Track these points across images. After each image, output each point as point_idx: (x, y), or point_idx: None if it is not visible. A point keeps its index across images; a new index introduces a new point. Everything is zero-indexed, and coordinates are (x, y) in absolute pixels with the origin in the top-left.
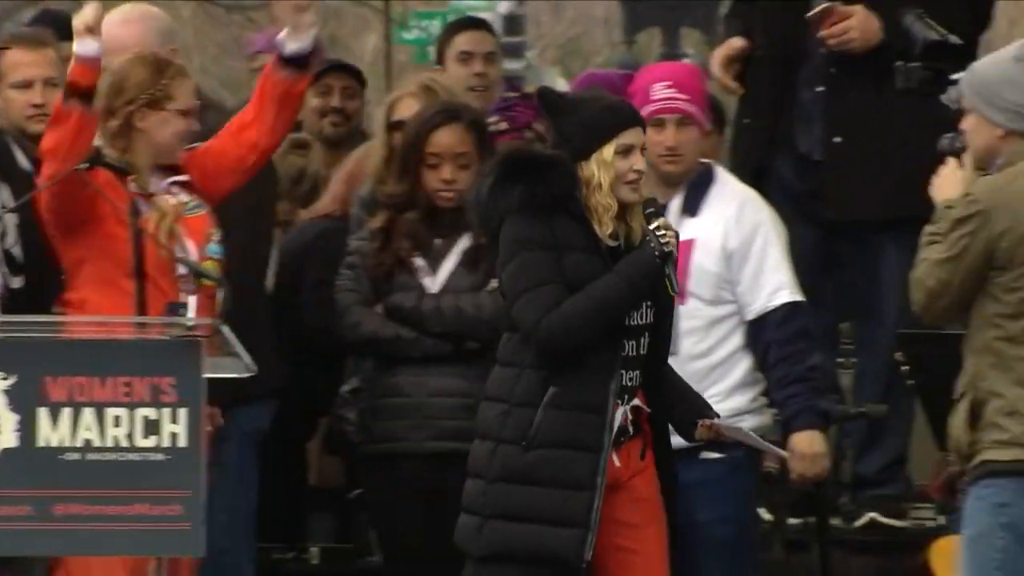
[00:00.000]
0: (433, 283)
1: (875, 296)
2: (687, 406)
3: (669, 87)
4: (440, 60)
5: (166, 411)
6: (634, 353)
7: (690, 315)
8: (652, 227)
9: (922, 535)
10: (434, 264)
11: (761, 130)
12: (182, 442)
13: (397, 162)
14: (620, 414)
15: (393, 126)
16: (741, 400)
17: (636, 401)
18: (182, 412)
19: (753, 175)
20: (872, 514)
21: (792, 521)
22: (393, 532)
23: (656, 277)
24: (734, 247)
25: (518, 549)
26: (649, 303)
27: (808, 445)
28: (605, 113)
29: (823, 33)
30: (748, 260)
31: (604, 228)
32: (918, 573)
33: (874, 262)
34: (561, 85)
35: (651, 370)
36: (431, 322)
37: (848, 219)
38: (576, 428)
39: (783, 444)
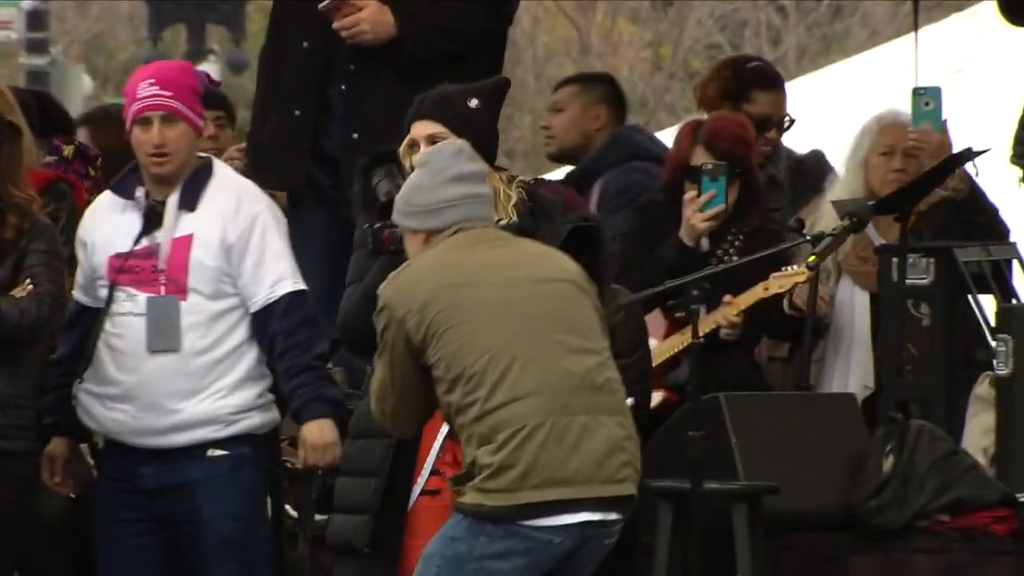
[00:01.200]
0: None
1: None
2: None
3: (152, 85)
4: None
5: None
6: None
7: (191, 311)
8: None
9: None
10: None
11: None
12: None
13: None
14: None
15: None
16: (247, 395)
17: None
18: None
19: None
20: None
21: (319, 517)
22: None
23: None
24: (232, 240)
25: (332, 541)
26: None
27: (318, 435)
28: (411, 109)
29: (335, 25)
30: (248, 253)
31: None
32: None
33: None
34: (87, 83)
35: None
36: None
37: None
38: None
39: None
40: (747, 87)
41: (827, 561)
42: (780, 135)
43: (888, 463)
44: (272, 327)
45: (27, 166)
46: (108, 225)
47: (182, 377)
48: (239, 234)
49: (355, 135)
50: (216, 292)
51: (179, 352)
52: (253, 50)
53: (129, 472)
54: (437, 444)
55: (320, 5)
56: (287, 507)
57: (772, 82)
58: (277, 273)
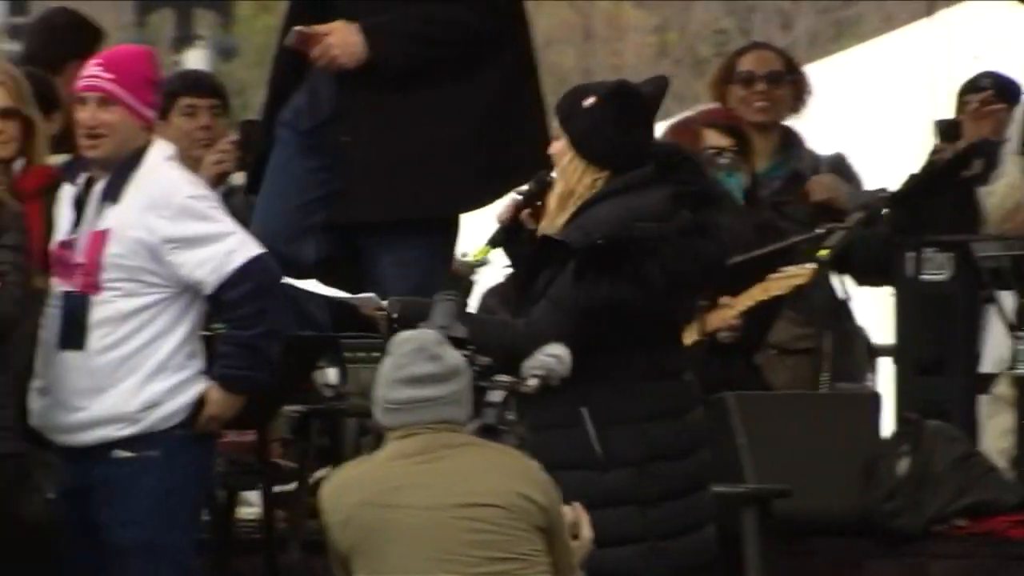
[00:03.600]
0: None
1: None
2: None
3: (98, 66)
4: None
5: None
6: None
7: (101, 308)
8: None
9: None
10: None
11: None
12: None
13: None
14: None
15: None
16: (156, 389)
17: None
18: None
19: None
20: None
21: (312, 523)
22: None
23: None
24: (158, 238)
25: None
26: None
27: (215, 404)
28: None
29: (311, 56)
30: (180, 246)
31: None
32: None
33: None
34: None
35: None
36: None
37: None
38: None
39: None
40: (734, 58)
41: (843, 567)
42: (779, 87)
43: (903, 464)
44: (224, 297)
45: (37, 161)
46: (64, 212)
47: (86, 375)
48: (163, 228)
49: (346, 138)
50: (131, 289)
51: (84, 350)
52: (242, 35)
53: (63, 472)
54: None
55: (285, 41)
56: (279, 511)
57: (752, 45)
58: (223, 252)
